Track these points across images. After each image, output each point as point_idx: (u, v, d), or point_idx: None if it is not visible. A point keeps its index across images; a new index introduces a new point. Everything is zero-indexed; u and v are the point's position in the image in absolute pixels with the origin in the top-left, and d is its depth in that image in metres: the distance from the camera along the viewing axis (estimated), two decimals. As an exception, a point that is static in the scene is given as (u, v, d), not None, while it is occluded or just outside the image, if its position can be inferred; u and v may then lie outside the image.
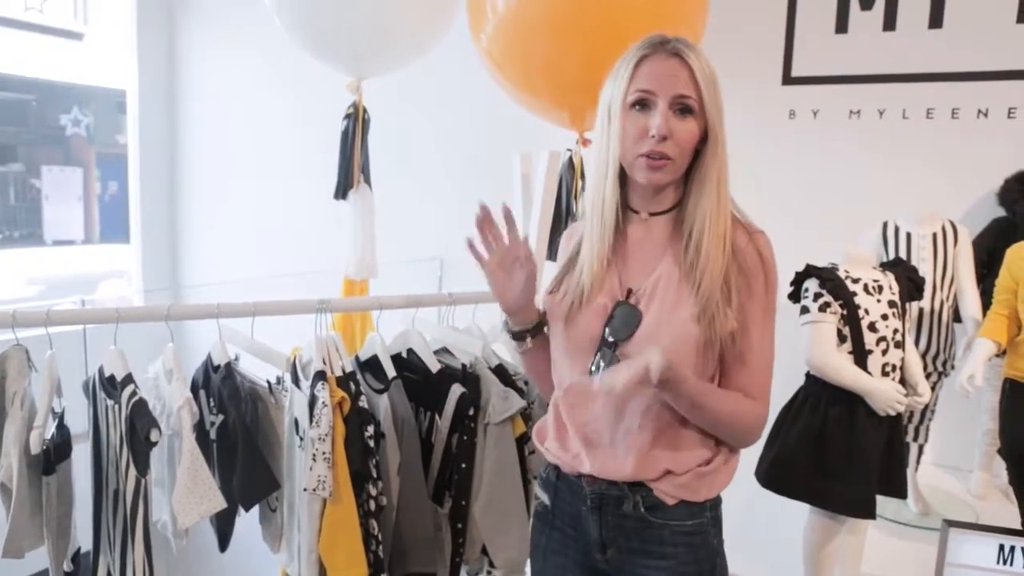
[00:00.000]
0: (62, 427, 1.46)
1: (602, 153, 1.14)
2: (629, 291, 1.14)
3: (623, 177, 1.14)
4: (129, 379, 1.46)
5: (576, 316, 1.16)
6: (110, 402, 1.47)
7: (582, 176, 2.00)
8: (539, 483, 1.27)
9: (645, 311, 1.11)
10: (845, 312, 1.72)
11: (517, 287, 1.20)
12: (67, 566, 1.50)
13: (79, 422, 1.52)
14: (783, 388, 1.84)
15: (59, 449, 1.44)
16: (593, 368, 1.12)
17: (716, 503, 1.18)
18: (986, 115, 2.19)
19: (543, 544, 1.26)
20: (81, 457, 1.52)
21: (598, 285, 1.16)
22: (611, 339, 1.11)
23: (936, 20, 2.22)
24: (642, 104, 1.08)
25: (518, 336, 1.25)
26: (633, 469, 1.12)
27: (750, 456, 1.80)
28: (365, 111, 2.18)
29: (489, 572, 1.72)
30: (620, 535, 1.15)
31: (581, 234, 1.20)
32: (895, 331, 1.75)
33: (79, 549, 1.54)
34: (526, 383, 1.68)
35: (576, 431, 1.18)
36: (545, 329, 1.25)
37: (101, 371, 1.52)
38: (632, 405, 1.12)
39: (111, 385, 1.48)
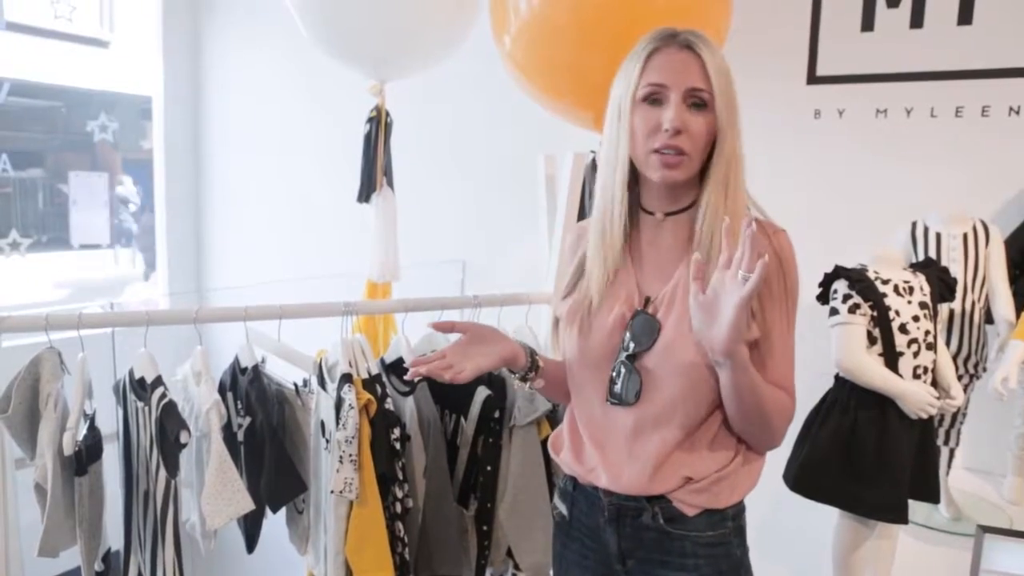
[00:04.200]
0: (93, 429, 1.48)
1: (611, 152, 1.09)
2: (647, 299, 1.10)
3: (634, 177, 1.10)
4: (159, 381, 1.48)
5: (592, 325, 1.12)
6: (140, 404, 1.49)
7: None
8: (557, 493, 1.25)
9: (664, 321, 1.07)
10: (875, 313, 1.69)
11: (488, 354, 1.15)
12: (98, 566, 1.52)
13: (108, 424, 1.54)
14: (812, 390, 1.82)
15: (91, 450, 1.46)
16: (614, 380, 1.10)
17: (739, 512, 1.13)
18: (1017, 112, 2.15)
19: (562, 554, 1.23)
20: (111, 458, 1.54)
21: (614, 292, 1.12)
22: (631, 350, 1.08)
23: (965, 17, 2.18)
24: (654, 98, 1.04)
25: (524, 380, 1.21)
26: (650, 481, 1.08)
27: (777, 459, 1.79)
28: (388, 114, 2.19)
29: (514, 574, 1.72)
30: (639, 547, 1.12)
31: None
32: (926, 333, 1.72)
33: (109, 549, 1.56)
34: (551, 385, 1.67)
35: (592, 443, 1.14)
36: (541, 364, 1.20)
37: (131, 373, 1.54)
38: (654, 418, 1.08)
39: (141, 387, 1.50)
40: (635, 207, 1.13)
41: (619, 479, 1.11)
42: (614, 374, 1.10)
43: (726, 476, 1.09)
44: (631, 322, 1.09)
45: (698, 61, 1.03)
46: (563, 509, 1.22)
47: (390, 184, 2.22)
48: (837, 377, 1.78)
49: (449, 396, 1.67)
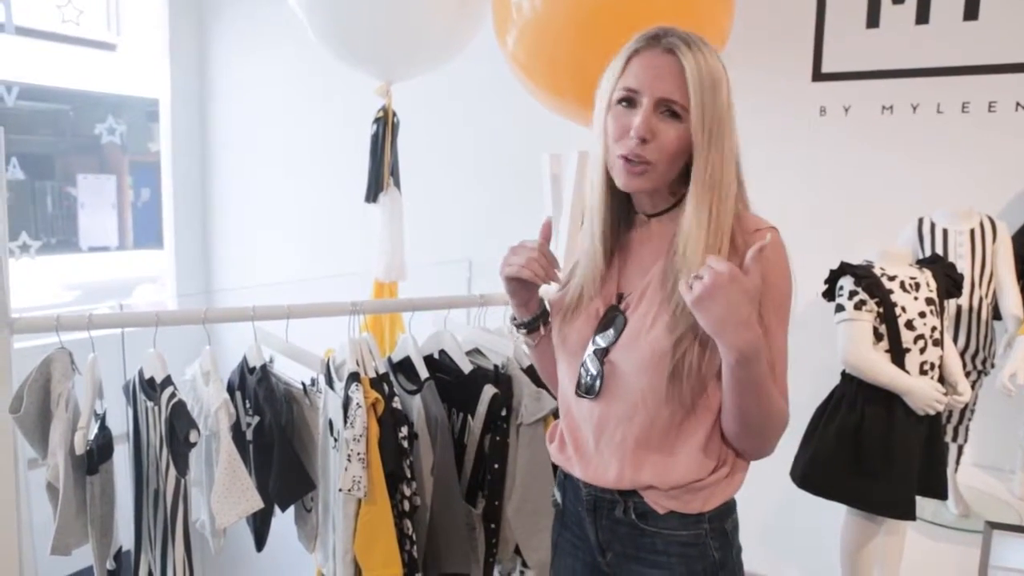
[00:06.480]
0: (104, 428, 1.49)
1: (593, 151, 1.09)
2: (620, 296, 1.11)
3: None
4: (168, 381, 1.49)
5: (571, 318, 1.14)
6: (150, 404, 1.50)
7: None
8: (555, 482, 1.27)
9: (630, 316, 1.08)
10: (881, 310, 1.69)
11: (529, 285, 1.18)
12: (110, 564, 1.53)
13: (118, 423, 1.56)
14: (818, 387, 1.82)
15: (102, 450, 1.47)
16: (582, 372, 1.11)
17: (719, 514, 1.09)
18: (1024, 108, 2.15)
19: (557, 542, 1.26)
20: (122, 458, 1.56)
21: (596, 288, 1.13)
22: (600, 344, 1.09)
23: (971, 12, 2.17)
24: (628, 102, 1.02)
25: (530, 327, 1.21)
26: (615, 478, 1.09)
27: (784, 456, 1.79)
28: (394, 115, 2.20)
29: (522, 572, 1.73)
30: (615, 539, 1.13)
31: None
32: (933, 329, 1.72)
33: (121, 548, 1.58)
34: (558, 383, 1.68)
35: (568, 433, 1.16)
36: (542, 332, 1.21)
37: (141, 373, 1.55)
38: (617, 414, 1.08)
39: (151, 387, 1.51)
40: (631, 208, 1.14)
41: (588, 471, 1.13)
42: (581, 367, 1.11)
43: (698, 489, 1.07)
44: (603, 317, 1.11)
45: (678, 68, 0.98)
46: (559, 497, 1.24)
47: (397, 184, 2.23)
48: (844, 374, 1.78)
49: (456, 394, 1.67)
